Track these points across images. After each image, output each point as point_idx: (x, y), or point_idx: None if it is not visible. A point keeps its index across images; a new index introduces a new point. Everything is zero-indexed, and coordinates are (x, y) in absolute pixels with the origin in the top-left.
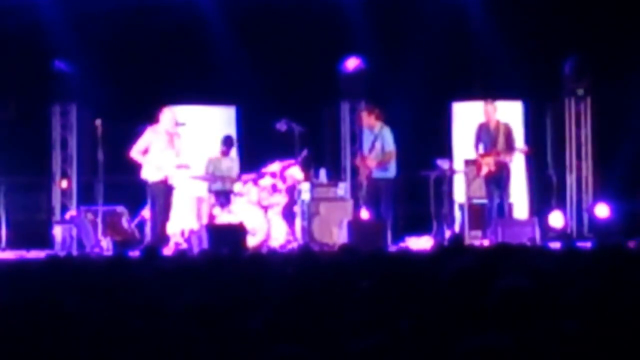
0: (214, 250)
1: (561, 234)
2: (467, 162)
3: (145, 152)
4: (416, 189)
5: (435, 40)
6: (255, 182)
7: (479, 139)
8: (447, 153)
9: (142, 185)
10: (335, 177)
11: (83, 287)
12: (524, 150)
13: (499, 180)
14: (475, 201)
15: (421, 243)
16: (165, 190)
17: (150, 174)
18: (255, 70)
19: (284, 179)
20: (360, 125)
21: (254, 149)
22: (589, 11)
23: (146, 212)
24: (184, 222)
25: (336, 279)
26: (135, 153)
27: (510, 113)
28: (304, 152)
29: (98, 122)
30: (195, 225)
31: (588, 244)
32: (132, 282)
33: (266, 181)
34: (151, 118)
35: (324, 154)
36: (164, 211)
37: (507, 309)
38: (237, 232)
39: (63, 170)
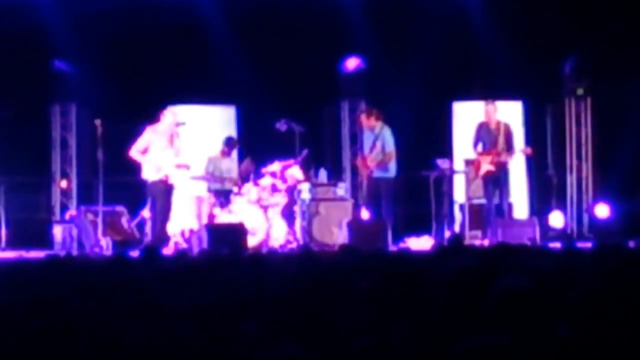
0: (214, 250)
1: (561, 234)
2: (467, 162)
3: (145, 151)
4: (416, 189)
5: (435, 40)
6: (255, 182)
7: (478, 138)
8: (447, 153)
9: (142, 185)
10: (335, 177)
11: (83, 287)
12: (526, 151)
13: (497, 180)
14: (475, 201)
15: (421, 243)
16: (165, 190)
17: (150, 173)
18: (255, 70)
19: (284, 179)
20: (361, 127)
21: (254, 149)
22: (589, 11)
23: (146, 212)
24: (184, 222)
25: (336, 279)
26: (134, 153)
27: (510, 113)
28: (304, 152)
29: (98, 122)
30: (195, 225)
31: (588, 244)
32: (132, 282)
33: (266, 181)
34: (151, 118)
35: (324, 154)
36: (164, 211)
37: (507, 309)
38: (237, 232)
39: (63, 170)
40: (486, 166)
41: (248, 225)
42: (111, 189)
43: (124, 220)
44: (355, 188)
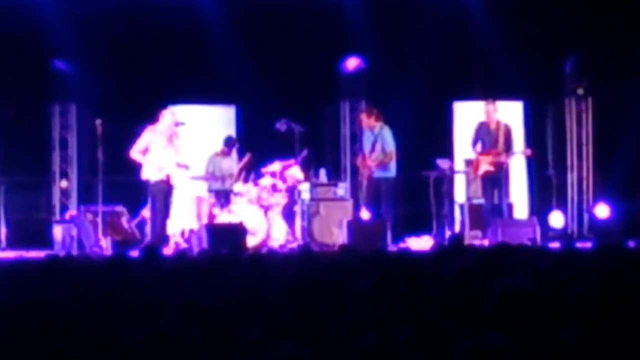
0: (214, 250)
1: (561, 234)
2: (468, 162)
3: (145, 152)
4: (416, 189)
5: (435, 39)
6: (255, 182)
7: (477, 137)
8: (447, 153)
9: (142, 185)
10: (335, 177)
11: (83, 287)
12: (526, 152)
13: (496, 180)
14: (475, 201)
15: (421, 243)
16: (165, 189)
17: (151, 173)
18: (255, 70)
19: (284, 179)
20: (361, 127)
21: (254, 149)
22: (589, 11)
23: (146, 212)
24: (184, 222)
25: (336, 279)
26: (135, 153)
27: (510, 113)
28: (304, 152)
29: (98, 122)
30: (195, 225)
31: (588, 244)
32: (132, 282)
33: (266, 181)
34: (151, 118)
35: (324, 154)
36: (164, 211)
37: (507, 309)
38: (237, 232)
39: (63, 170)
40: (485, 166)
41: (248, 225)
42: (111, 189)
43: (124, 220)
44: (355, 188)
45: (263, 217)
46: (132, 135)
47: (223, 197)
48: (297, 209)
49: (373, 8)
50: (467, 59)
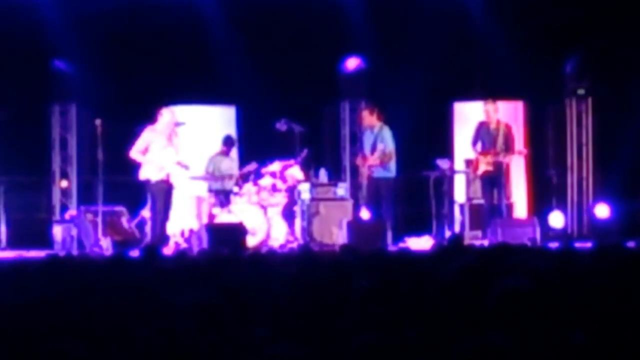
0: (214, 250)
1: (561, 234)
2: (467, 162)
3: (145, 151)
4: (416, 189)
5: (436, 39)
6: (255, 182)
7: (477, 137)
8: (447, 153)
9: (142, 185)
10: (335, 177)
11: (83, 287)
12: (522, 152)
13: (495, 180)
14: (475, 201)
15: (421, 243)
16: (166, 189)
17: (152, 173)
18: (255, 70)
19: (284, 179)
20: (362, 125)
21: (254, 149)
22: (590, 11)
23: (146, 212)
24: (184, 222)
25: (336, 279)
26: (135, 153)
27: (511, 113)
28: (304, 152)
29: (98, 121)
30: (195, 225)
31: (588, 244)
32: (132, 282)
33: (266, 181)
34: (151, 118)
35: (324, 154)
36: (164, 211)
37: (507, 309)
38: (237, 231)
39: (63, 170)
40: (484, 166)
41: (248, 225)
42: (111, 189)
43: (124, 220)
44: (355, 188)
45: (263, 217)
46: (132, 135)
47: (223, 197)
48: (297, 209)
49: (373, 8)
50: (467, 59)
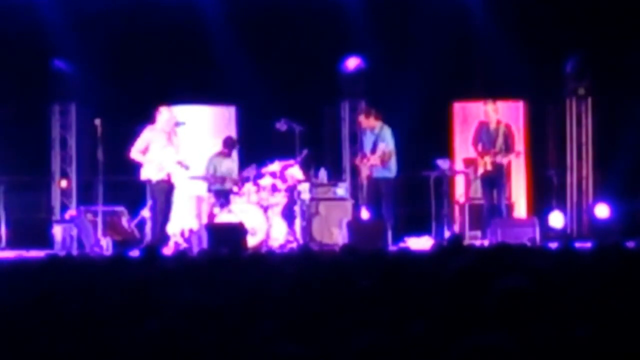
0: (214, 250)
1: (561, 234)
2: (467, 161)
3: (145, 151)
4: (416, 189)
5: (436, 39)
6: (255, 182)
7: (478, 137)
8: (447, 153)
9: (142, 185)
10: (335, 177)
11: (83, 287)
12: (518, 153)
13: (494, 180)
14: (475, 201)
15: (421, 243)
16: (166, 189)
17: (152, 173)
18: (255, 70)
19: (284, 179)
20: (360, 127)
21: (254, 148)
22: (590, 11)
23: (146, 212)
24: (184, 222)
25: (336, 279)
26: (135, 153)
27: (511, 113)
28: (304, 152)
29: (98, 121)
30: (195, 225)
31: (588, 244)
32: (132, 282)
33: (266, 181)
34: (151, 118)
35: (324, 154)
36: (164, 211)
37: (507, 309)
38: (237, 231)
39: (63, 170)
40: (484, 166)
41: (248, 225)
42: (111, 189)
43: (124, 220)
44: (355, 188)
45: (263, 217)
46: (132, 135)
47: (223, 197)
48: (297, 209)
49: (373, 8)
50: (467, 59)
